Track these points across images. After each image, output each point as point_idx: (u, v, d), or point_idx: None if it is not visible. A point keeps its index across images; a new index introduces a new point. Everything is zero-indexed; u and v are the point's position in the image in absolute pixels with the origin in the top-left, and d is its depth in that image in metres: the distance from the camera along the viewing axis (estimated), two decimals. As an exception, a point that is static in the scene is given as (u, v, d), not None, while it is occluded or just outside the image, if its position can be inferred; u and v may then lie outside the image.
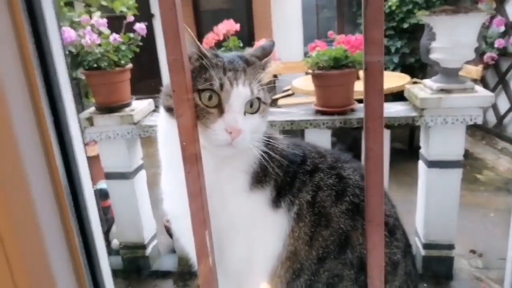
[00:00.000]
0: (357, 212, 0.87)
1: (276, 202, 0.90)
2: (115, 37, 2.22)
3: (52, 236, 0.66)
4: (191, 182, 0.63)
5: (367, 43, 0.40)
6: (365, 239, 0.59)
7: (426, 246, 2.36)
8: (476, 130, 4.77)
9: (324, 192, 0.89)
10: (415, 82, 3.71)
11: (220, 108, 0.77)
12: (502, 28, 4.40)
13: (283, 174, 0.91)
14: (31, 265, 0.61)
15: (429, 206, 2.30)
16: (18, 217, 0.60)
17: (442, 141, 2.17)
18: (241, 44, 2.22)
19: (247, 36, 5.86)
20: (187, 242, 0.99)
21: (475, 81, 3.90)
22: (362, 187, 0.87)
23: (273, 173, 0.90)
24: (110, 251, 2.67)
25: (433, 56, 2.14)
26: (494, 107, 4.66)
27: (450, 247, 2.34)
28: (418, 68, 5.34)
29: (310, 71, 2.24)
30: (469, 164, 3.93)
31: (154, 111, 2.47)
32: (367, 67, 0.41)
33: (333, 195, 0.89)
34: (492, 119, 4.78)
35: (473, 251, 2.63)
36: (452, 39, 2.02)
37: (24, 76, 0.61)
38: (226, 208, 0.91)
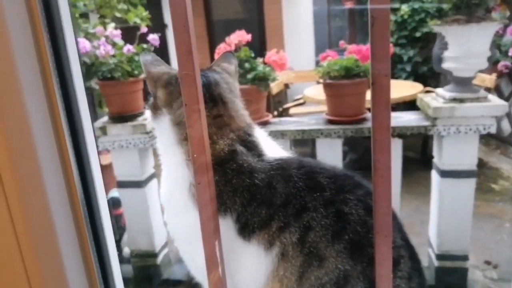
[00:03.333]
0: (357, 250, 0.79)
1: (244, 234, 0.84)
2: (128, 48, 2.26)
3: (67, 243, 0.67)
4: (201, 192, 0.63)
5: (374, 59, 0.41)
6: (374, 250, 0.59)
7: (440, 257, 2.33)
8: (490, 140, 4.71)
9: (317, 232, 0.81)
10: (428, 91, 3.69)
11: None
12: (516, 37, 4.36)
13: (248, 210, 0.83)
14: (46, 272, 0.62)
15: (442, 216, 2.27)
16: (35, 223, 0.61)
17: (455, 151, 2.15)
18: (253, 54, 2.24)
19: (258, 46, 5.90)
20: (189, 258, 0.97)
21: (488, 90, 3.86)
22: (366, 222, 0.80)
23: (228, 204, 0.83)
24: (121, 259, 2.68)
25: (446, 65, 2.13)
26: (509, 116, 4.60)
27: (464, 258, 2.31)
28: (430, 77, 5.31)
29: (321, 80, 2.25)
30: (483, 173, 3.87)
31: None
32: (374, 81, 0.41)
33: (328, 235, 0.80)
34: (507, 128, 4.71)
35: (487, 262, 2.58)
36: (464, 48, 2.01)
37: (42, 84, 0.63)
38: (179, 221, 0.92)
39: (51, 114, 0.64)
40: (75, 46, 0.71)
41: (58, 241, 0.64)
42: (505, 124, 4.69)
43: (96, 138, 2.44)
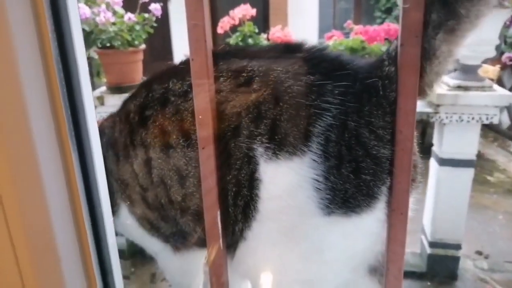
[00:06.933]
0: None
1: None
2: (129, 17, 2.20)
3: (60, 212, 0.64)
4: (204, 160, 0.61)
5: (405, 16, 0.37)
6: (387, 228, 0.56)
7: (432, 244, 2.33)
8: (488, 132, 4.70)
9: None
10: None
11: None
12: (523, 29, 4.31)
13: None
14: (35, 238, 0.59)
15: (438, 205, 2.27)
16: (25, 193, 0.58)
17: (456, 139, 2.12)
18: (257, 30, 2.19)
19: (262, 22, 5.80)
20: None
21: (491, 81, 3.83)
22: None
23: None
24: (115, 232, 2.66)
25: (453, 51, 2.08)
26: (509, 109, 4.58)
27: (457, 247, 2.31)
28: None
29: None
30: (480, 165, 3.87)
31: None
32: (403, 42, 0.38)
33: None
34: (506, 121, 4.70)
35: (479, 252, 2.60)
36: (474, 34, 1.96)
37: (39, 49, 0.59)
38: None
39: (48, 82, 0.59)
40: (77, 11, 0.66)
41: (49, 209, 0.61)
42: (504, 117, 4.67)
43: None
